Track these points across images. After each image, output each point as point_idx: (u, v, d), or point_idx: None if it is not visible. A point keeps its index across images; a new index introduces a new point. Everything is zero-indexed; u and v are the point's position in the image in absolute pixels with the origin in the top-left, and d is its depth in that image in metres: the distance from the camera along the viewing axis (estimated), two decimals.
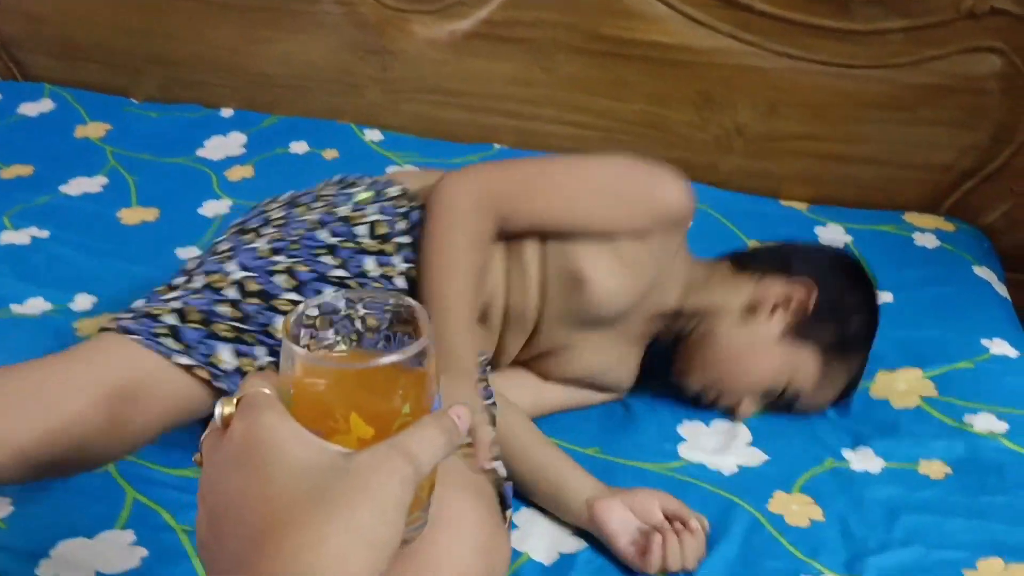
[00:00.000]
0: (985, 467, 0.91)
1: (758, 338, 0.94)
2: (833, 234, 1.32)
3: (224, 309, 0.79)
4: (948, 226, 1.34)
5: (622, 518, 0.81)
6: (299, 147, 1.46)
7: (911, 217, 1.37)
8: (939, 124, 1.35)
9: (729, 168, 1.45)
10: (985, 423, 0.97)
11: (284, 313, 0.82)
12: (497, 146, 1.49)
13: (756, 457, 0.94)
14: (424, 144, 1.50)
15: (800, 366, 0.94)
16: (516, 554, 0.80)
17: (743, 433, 0.98)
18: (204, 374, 0.76)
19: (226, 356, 0.78)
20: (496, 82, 1.49)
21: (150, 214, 1.29)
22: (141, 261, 1.17)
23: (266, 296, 0.82)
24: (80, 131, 1.49)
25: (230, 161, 1.42)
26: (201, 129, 1.49)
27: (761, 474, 0.92)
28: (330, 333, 0.48)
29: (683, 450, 0.96)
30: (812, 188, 1.43)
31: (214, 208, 1.31)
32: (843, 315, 0.95)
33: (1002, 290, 1.24)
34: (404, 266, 0.88)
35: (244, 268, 0.83)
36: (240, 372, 0.78)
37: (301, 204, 0.95)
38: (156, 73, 1.62)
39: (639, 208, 0.91)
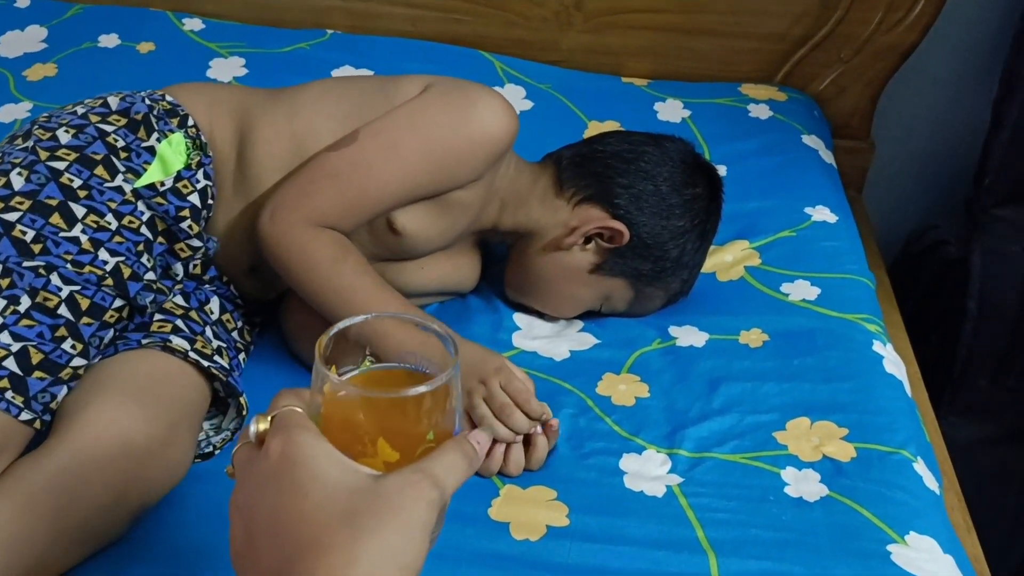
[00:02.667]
0: (797, 333, 0.96)
1: (568, 268, 0.93)
2: (672, 109, 1.33)
3: (67, 346, 0.74)
4: (781, 96, 1.37)
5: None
6: (109, 40, 1.34)
7: (747, 89, 1.38)
8: None
9: (570, 45, 1.42)
10: (800, 291, 1.02)
11: (113, 325, 0.78)
12: (330, 31, 1.41)
13: (587, 341, 0.97)
14: (250, 32, 1.39)
15: (612, 293, 0.95)
16: None
17: (576, 320, 0.99)
18: (38, 424, 0.73)
19: (61, 397, 0.74)
20: None
21: None
22: None
23: (97, 312, 0.76)
24: None
25: (29, 59, 1.29)
26: None
27: (592, 358, 0.94)
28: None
29: (517, 339, 0.97)
30: (653, 63, 1.42)
31: (12, 112, 1.19)
32: (660, 249, 0.91)
33: (828, 157, 1.28)
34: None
35: (68, 281, 0.75)
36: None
37: (95, 158, 0.81)
38: None
39: (465, 165, 0.87)
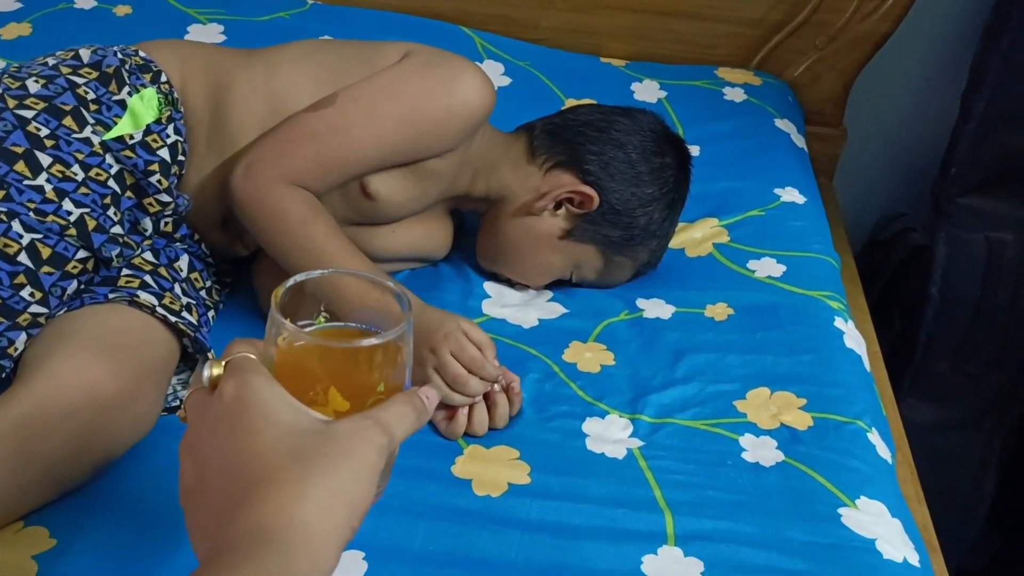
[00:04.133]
0: (762, 308, 0.98)
1: (538, 234, 0.94)
2: (649, 90, 1.34)
3: (25, 293, 0.74)
4: (756, 80, 1.38)
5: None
6: (85, 2, 1.33)
7: (723, 72, 1.40)
8: None
9: (550, 24, 1.43)
10: (766, 268, 1.04)
11: (76, 276, 0.77)
12: (311, 1, 1.41)
13: (556, 311, 0.98)
14: None
15: (582, 261, 0.96)
16: None
17: (545, 289, 1.01)
18: None
19: (21, 344, 0.74)
20: None
21: None
22: None
23: (58, 262, 0.76)
24: None
25: (4, 17, 1.28)
26: None
27: (559, 326, 0.96)
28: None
29: (487, 306, 0.98)
30: (632, 45, 1.43)
31: None
32: (629, 216, 0.93)
33: (799, 141, 1.30)
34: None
35: (29, 229, 0.75)
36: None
37: (63, 109, 0.80)
38: None
39: (443, 135, 0.88)
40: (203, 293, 0.90)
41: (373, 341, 0.48)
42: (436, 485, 0.75)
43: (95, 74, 0.84)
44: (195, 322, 0.84)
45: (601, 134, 0.94)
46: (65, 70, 0.83)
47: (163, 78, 0.86)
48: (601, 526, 0.73)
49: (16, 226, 0.74)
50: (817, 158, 1.34)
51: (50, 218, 0.76)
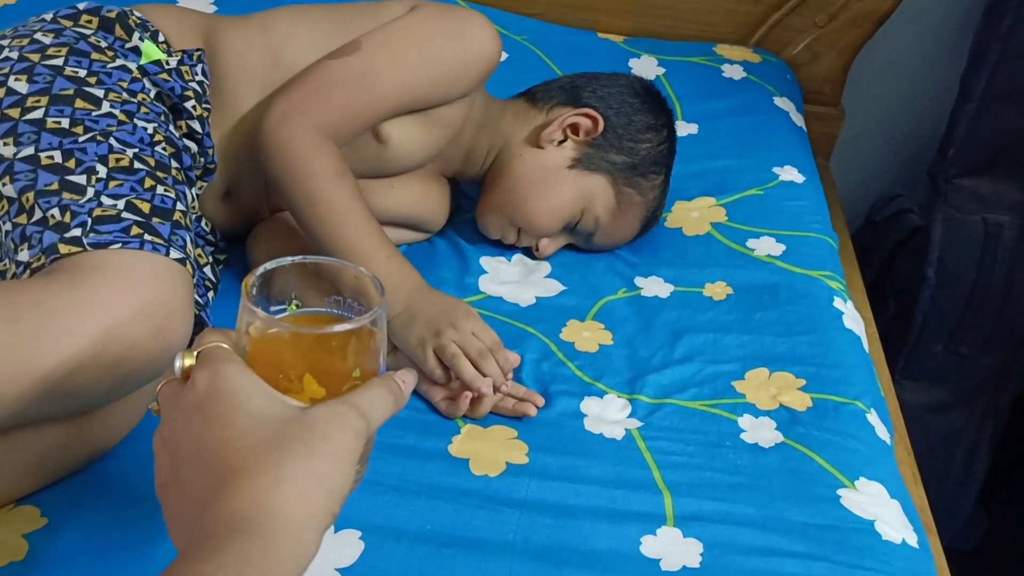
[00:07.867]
0: (761, 287, 0.97)
1: (547, 167, 0.95)
2: (647, 66, 1.33)
3: (161, 191, 0.72)
4: (755, 58, 1.37)
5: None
6: None
7: (722, 49, 1.38)
8: None
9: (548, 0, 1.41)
10: (765, 246, 1.03)
11: (184, 184, 0.77)
12: None
13: (554, 288, 0.97)
14: None
15: (594, 195, 0.96)
16: None
17: (543, 266, 1.00)
18: (189, 268, 0.71)
19: (190, 244, 0.73)
20: None
21: None
22: None
23: (164, 168, 0.75)
24: None
25: None
26: None
27: (557, 304, 0.95)
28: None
29: (484, 283, 0.97)
30: (630, 21, 1.42)
31: None
32: (631, 141, 0.96)
33: (798, 120, 1.29)
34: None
35: (126, 144, 0.73)
36: None
37: (85, 51, 0.79)
38: None
39: (460, 80, 0.90)
40: (207, 270, 0.89)
41: (346, 326, 0.47)
42: (433, 464, 0.75)
43: (96, 20, 0.83)
44: (199, 300, 0.83)
45: (591, 81, 0.99)
46: (67, 22, 0.82)
47: (160, 38, 0.86)
48: (600, 507, 0.72)
49: (114, 143, 0.73)
50: (815, 138, 1.33)
51: (136, 133, 0.75)
